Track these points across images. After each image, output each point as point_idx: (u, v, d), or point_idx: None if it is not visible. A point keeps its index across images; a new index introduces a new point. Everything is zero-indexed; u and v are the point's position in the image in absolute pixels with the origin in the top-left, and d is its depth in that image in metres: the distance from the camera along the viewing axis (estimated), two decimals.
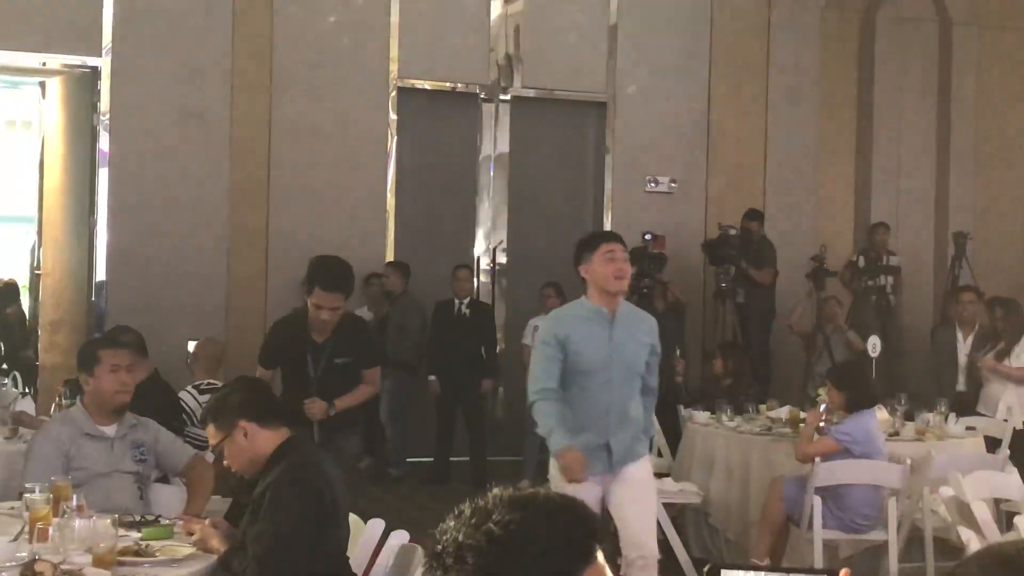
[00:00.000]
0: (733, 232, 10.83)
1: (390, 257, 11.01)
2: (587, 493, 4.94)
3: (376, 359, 6.37)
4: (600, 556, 1.65)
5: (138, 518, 4.33)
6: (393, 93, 11.13)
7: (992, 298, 9.82)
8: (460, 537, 1.61)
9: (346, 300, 6.20)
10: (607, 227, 11.51)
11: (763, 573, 1.68)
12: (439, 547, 1.63)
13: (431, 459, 10.22)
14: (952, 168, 12.30)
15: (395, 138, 11.16)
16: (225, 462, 4.01)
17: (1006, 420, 8.04)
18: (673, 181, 11.75)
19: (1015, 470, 6.17)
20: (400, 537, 4.09)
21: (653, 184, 11.72)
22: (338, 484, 3.93)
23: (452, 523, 1.64)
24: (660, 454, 8.42)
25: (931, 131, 12.41)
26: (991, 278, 11.06)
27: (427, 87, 11.39)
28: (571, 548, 1.61)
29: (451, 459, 10.16)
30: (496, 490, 1.68)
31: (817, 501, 6.21)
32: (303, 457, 3.91)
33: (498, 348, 10.76)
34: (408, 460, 10.36)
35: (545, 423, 5.21)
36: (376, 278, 10.68)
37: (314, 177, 10.79)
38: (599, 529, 1.68)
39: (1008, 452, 7.63)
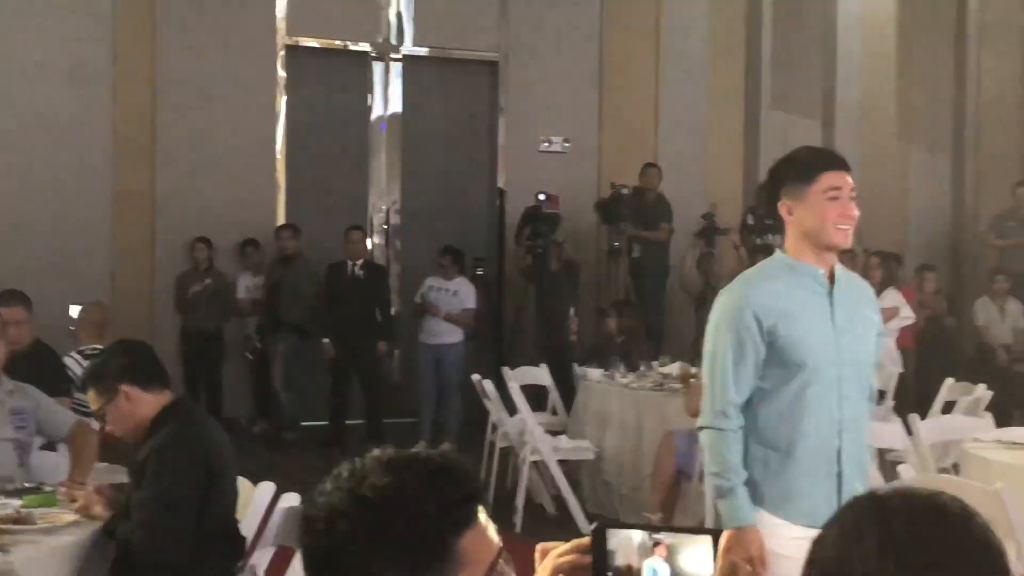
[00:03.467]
0: (625, 191, 10.88)
1: (281, 219, 10.86)
2: None
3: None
4: (482, 517, 1.60)
5: (19, 485, 4.22)
6: (281, 51, 10.94)
7: (874, 251, 10.07)
8: (334, 501, 1.55)
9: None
10: (501, 187, 11.50)
11: (646, 532, 1.66)
12: (312, 511, 1.57)
13: (326, 422, 10.15)
14: (838, 126, 12.50)
15: (284, 97, 10.99)
16: (107, 427, 3.92)
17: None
18: (566, 140, 11.76)
19: (899, 420, 6.31)
20: (290, 499, 4.04)
21: (546, 144, 11.72)
22: (225, 447, 3.86)
23: (329, 485, 1.58)
24: (555, 412, 8.48)
25: (818, 90, 12.58)
26: (874, 232, 11.31)
27: (316, 45, 11.22)
28: (448, 513, 1.56)
29: (346, 422, 10.09)
30: (375, 451, 1.61)
31: None
32: (188, 420, 3.83)
33: (393, 310, 10.70)
34: (303, 424, 10.27)
35: (721, 470, 3.35)
36: (253, 244, 10.53)
37: (200, 138, 10.58)
38: (481, 490, 1.63)
39: (893, 403, 7.84)
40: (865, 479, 3.42)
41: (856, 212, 3.38)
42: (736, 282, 3.50)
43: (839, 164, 3.41)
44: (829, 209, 3.33)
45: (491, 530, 1.62)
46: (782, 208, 3.42)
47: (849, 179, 3.40)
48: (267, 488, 4.15)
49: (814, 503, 3.23)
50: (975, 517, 1.40)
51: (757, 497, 3.35)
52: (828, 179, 3.35)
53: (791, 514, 3.26)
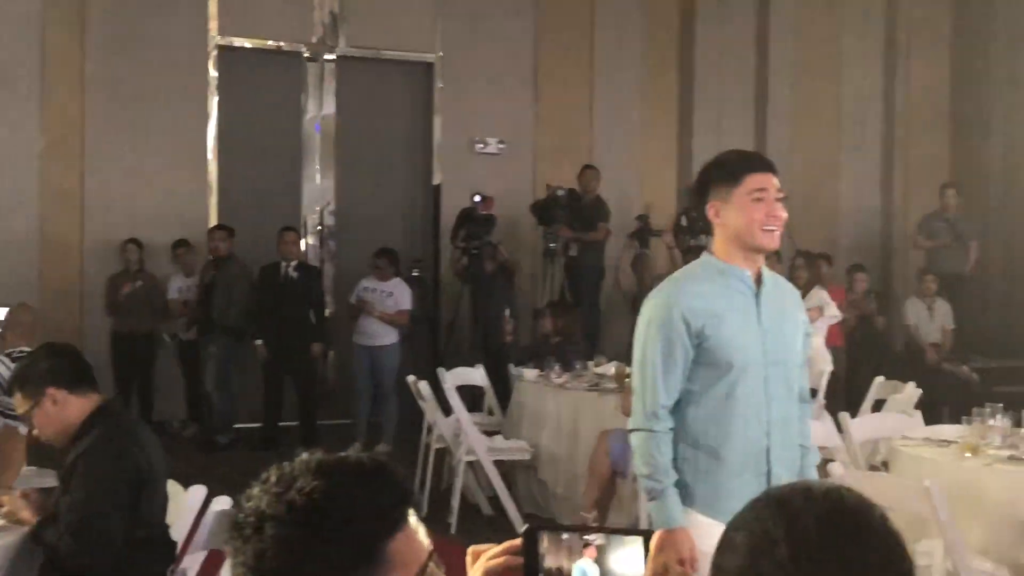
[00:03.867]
0: (561, 193, 10.91)
1: (213, 220, 10.76)
2: None
3: None
4: (412, 520, 1.60)
5: None
6: (213, 52, 10.84)
7: (798, 252, 10.18)
8: (262, 506, 1.54)
9: None
10: (437, 188, 11.47)
11: (577, 533, 1.66)
12: (241, 516, 1.55)
13: (259, 425, 10.06)
14: (770, 127, 12.62)
15: (216, 98, 10.88)
16: (34, 431, 3.85)
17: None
18: (501, 142, 11.77)
19: (830, 418, 6.38)
20: (222, 503, 4.00)
21: (481, 145, 11.72)
22: (154, 450, 3.81)
23: (257, 490, 1.57)
24: (491, 412, 8.48)
25: (750, 91, 12.70)
26: (805, 233, 11.44)
27: (249, 46, 11.13)
28: (377, 516, 1.55)
29: (280, 424, 10.01)
30: (304, 455, 1.60)
31: None
32: (116, 423, 3.78)
33: (327, 311, 10.64)
34: (236, 426, 10.17)
35: (652, 472, 3.37)
36: (184, 245, 10.42)
37: (131, 138, 10.46)
38: (411, 493, 1.62)
39: (824, 401, 7.93)
40: (794, 477, 3.44)
41: (783, 214, 3.39)
42: (664, 284, 3.51)
43: (764, 166, 3.43)
44: (755, 211, 3.35)
45: (421, 533, 1.61)
46: (710, 210, 3.43)
47: (775, 181, 3.41)
48: (198, 492, 4.10)
49: (744, 503, 3.22)
50: (874, 508, 1.40)
51: (687, 498, 3.37)
52: (753, 181, 3.37)
53: (721, 514, 3.24)
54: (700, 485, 3.39)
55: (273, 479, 1.57)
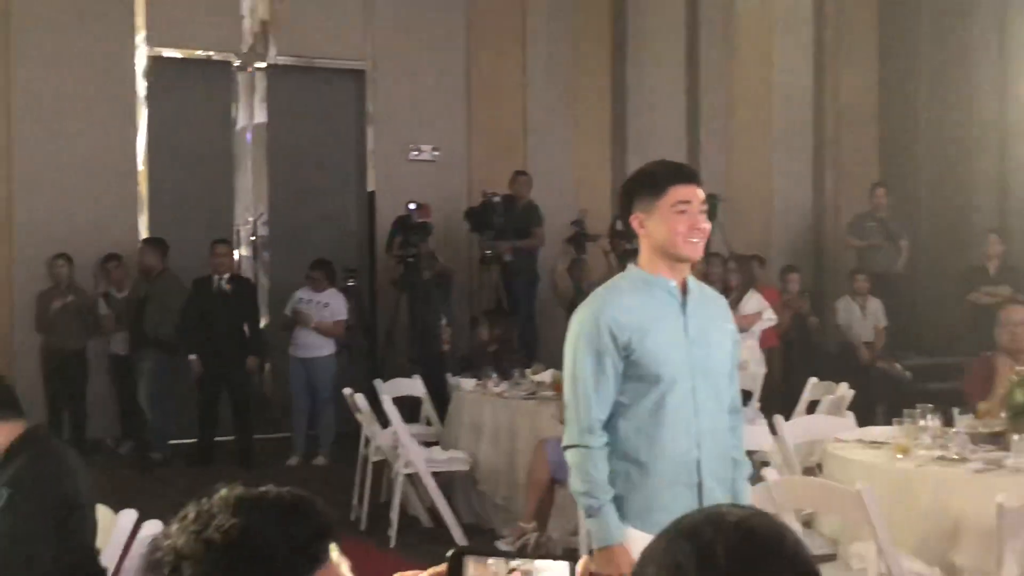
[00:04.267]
0: (497, 199, 10.91)
1: (144, 233, 10.63)
2: None
3: None
4: (334, 555, 1.58)
5: None
6: (141, 62, 10.71)
7: (731, 255, 10.26)
8: (179, 544, 1.52)
9: None
10: (371, 196, 11.42)
11: (503, 558, 1.65)
12: (158, 554, 1.53)
13: (195, 440, 9.94)
14: (703, 129, 12.71)
15: (145, 109, 10.75)
16: None
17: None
18: (435, 149, 11.75)
19: (764, 421, 6.43)
20: (153, 527, 3.94)
21: (416, 152, 11.70)
22: (82, 476, 3.74)
23: (175, 527, 1.55)
24: (429, 423, 8.45)
25: (681, 97, 12.78)
26: (739, 233, 11.54)
27: (178, 56, 11.01)
28: (298, 552, 1.53)
29: (216, 439, 9.90)
30: (224, 490, 1.58)
31: None
32: (43, 450, 3.70)
33: (262, 324, 10.55)
34: (171, 443, 10.05)
35: (589, 488, 3.35)
36: (115, 259, 10.28)
37: (59, 152, 10.31)
38: (332, 527, 1.60)
39: (759, 403, 7.98)
40: (725, 488, 3.46)
41: (707, 225, 3.41)
42: (591, 298, 3.50)
43: (688, 177, 3.43)
44: (678, 222, 3.35)
45: (344, 568, 1.60)
46: (634, 222, 3.43)
47: (700, 192, 3.42)
48: (128, 516, 4.03)
49: (676, 515, 3.22)
50: (785, 537, 1.40)
51: (621, 512, 3.37)
52: (677, 193, 3.37)
53: (653, 527, 3.19)
54: (632, 498, 3.39)
55: (191, 517, 1.55)
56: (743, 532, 1.37)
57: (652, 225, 3.39)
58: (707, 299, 3.58)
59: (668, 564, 1.35)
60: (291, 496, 1.59)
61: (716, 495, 3.39)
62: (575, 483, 3.41)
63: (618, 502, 3.39)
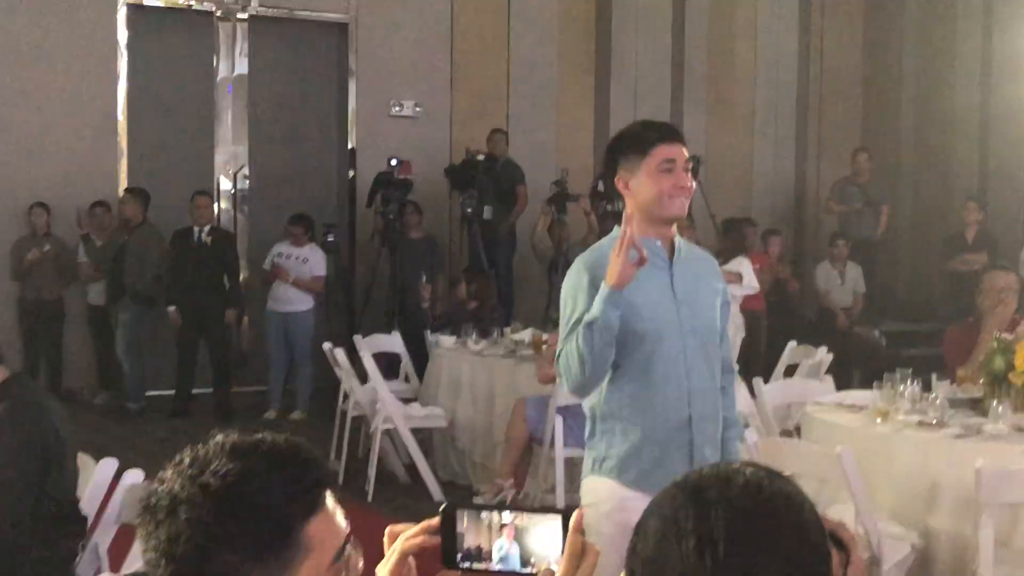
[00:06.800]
0: (480, 157, 10.85)
1: (124, 184, 10.54)
2: None
3: None
4: (329, 502, 1.58)
5: None
6: (122, 10, 10.58)
7: (724, 220, 10.25)
8: (175, 488, 1.52)
9: None
10: (352, 152, 11.35)
11: (495, 511, 1.64)
12: (153, 499, 1.53)
13: (172, 392, 9.92)
14: (686, 94, 12.68)
15: (125, 58, 10.64)
16: None
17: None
18: (418, 105, 11.67)
19: (743, 384, 6.45)
20: (134, 476, 3.93)
21: (398, 108, 11.61)
22: (62, 424, 3.72)
23: (170, 472, 1.54)
24: (407, 379, 8.45)
25: (666, 56, 12.73)
26: (720, 198, 11.53)
27: (159, 5, 10.89)
28: (293, 499, 1.53)
29: (193, 391, 9.88)
30: (219, 436, 1.57)
31: (559, 420, 6.34)
32: (22, 397, 3.67)
33: (241, 277, 10.50)
34: (148, 394, 10.01)
35: (576, 337, 3.30)
36: (103, 205, 10.20)
37: (38, 100, 10.19)
38: (328, 475, 1.60)
39: (738, 367, 7.99)
40: (716, 447, 3.47)
41: (691, 183, 3.41)
42: (579, 258, 3.50)
43: (672, 136, 3.42)
44: (663, 181, 3.35)
45: (339, 515, 1.60)
46: (619, 183, 3.44)
47: (684, 151, 3.42)
48: (109, 464, 4.02)
49: (667, 474, 3.16)
50: (792, 502, 1.36)
51: (612, 470, 3.39)
52: (661, 152, 3.37)
53: (644, 485, 3.26)
54: (623, 457, 3.39)
55: (187, 461, 1.55)
56: (749, 497, 1.34)
57: (637, 185, 3.39)
58: (696, 259, 3.57)
59: (669, 518, 1.33)
60: (287, 443, 1.58)
61: (706, 454, 3.40)
62: (572, 364, 3.30)
63: (610, 461, 3.40)
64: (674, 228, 3.48)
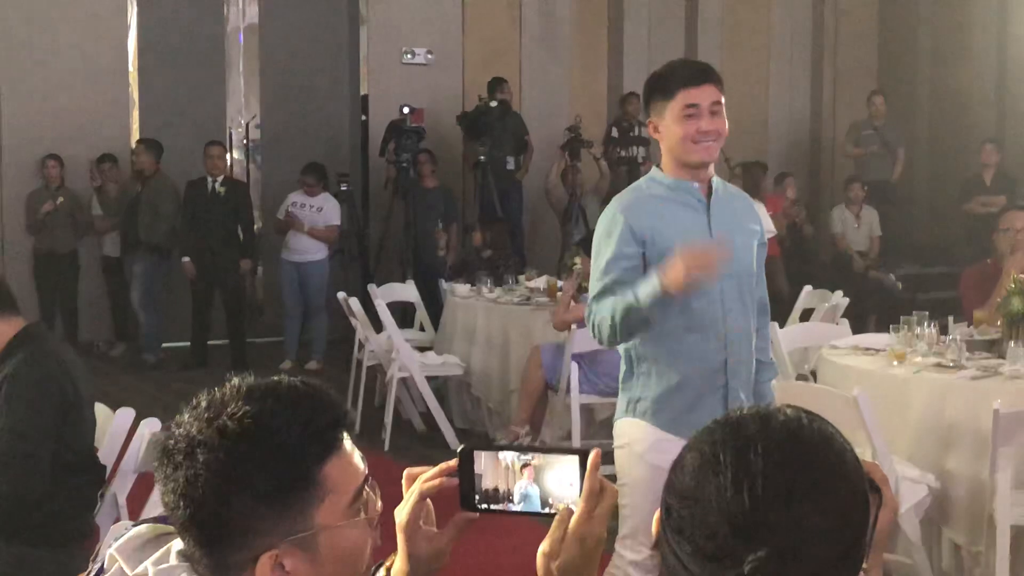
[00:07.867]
0: (494, 104, 10.78)
1: (136, 135, 10.52)
2: None
3: None
4: (347, 444, 1.58)
5: None
6: None
7: (737, 163, 10.18)
8: (192, 431, 1.52)
9: None
10: (365, 99, 11.29)
11: (514, 453, 1.63)
12: (171, 442, 1.53)
13: (187, 343, 9.95)
14: (700, 39, 12.57)
15: (136, 8, 10.57)
16: None
17: None
18: (430, 52, 11.59)
19: None
20: (151, 425, 3.94)
21: (410, 55, 11.53)
22: (80, 374, 3.73)
23: (187, 416, 1.54)
24: (422, 328, 8.45)
25: (680, 2, 12.61)
26: (735, 142, 11.44)
27: None
28: (311, 440, 1.53)
29: (209, 342, 9.91)
30: (235, 380, 1.57)
31: (574, 367, 6.33)
32: (40, 347, 3.68)
33: (255, 227, 10.50)
34: (164, 345, 10.05)
35: (613, 307, 3.28)
36: (110, 159, 10.18)
37: (48, 51, 10.14)
38: (345, 416, 1.59)
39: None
40: (749, 391, 3.46)
41: (713, 126, 3.33)
42: (618, 196, 3.50)
43: (697, 79, 3.36)
44: (687, 126, 3.31)
45: (356, 457, 1.59)
46: (649, 127, 3.45)
47: (714, 92, 3.36)
48: (126, 414, 4.04)
49: (701, 417, 3.03)
50: (832, 445, 1.35)
51: (646, 412, 3.39)
52: (686, 96, 3.33)
53: (679, 429, 3.26)
54: (658, 400, 3.40)
55: (203, 404, 1.55)
56: (788, 432, 1.33)
57: (664, 129, 3.39)
58: (733, 199, 3.55)
59: (707, 452, 1.33)
60: (304, 385, 1.58)
61: (741, 398, 3.40)
62: (604, 328, 3.31)
63: (644, 403, 3.40)
64: (711, 169, 3.44)
